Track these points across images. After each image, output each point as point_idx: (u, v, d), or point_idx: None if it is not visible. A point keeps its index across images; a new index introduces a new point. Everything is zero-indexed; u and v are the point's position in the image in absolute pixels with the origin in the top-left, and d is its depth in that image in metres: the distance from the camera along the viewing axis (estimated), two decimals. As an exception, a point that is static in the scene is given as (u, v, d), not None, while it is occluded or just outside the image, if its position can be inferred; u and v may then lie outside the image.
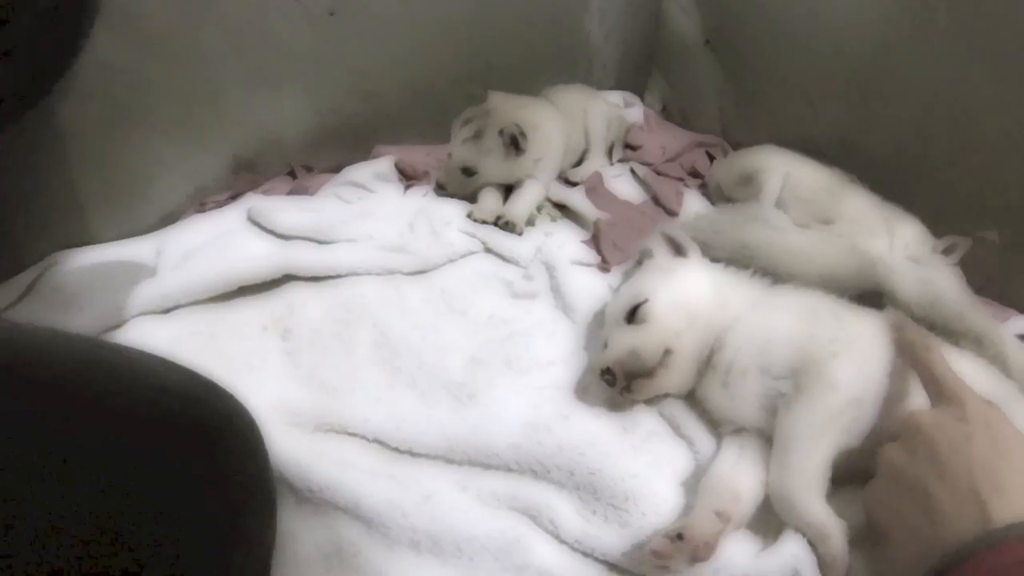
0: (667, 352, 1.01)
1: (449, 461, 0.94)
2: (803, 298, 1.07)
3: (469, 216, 1.46)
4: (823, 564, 0.84)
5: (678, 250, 1.18)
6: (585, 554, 0.86)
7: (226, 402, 0.71)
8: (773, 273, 1.14)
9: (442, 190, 1.56)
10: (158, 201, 1.37)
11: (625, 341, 1.02)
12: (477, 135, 1.49)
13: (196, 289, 1.13)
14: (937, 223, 1.52)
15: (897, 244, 1.49)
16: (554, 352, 1.14)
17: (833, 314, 1.03)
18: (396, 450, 0.95)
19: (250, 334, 1.11)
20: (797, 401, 0.92)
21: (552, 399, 1.04)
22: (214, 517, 0.62)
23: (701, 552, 0.82)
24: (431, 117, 1.66)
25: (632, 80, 2.19)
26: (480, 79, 1.66)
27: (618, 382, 1.00)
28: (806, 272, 1.15)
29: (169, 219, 1.36)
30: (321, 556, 0.83)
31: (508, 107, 1.53)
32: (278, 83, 1.46)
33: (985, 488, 0.71)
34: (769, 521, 0.89)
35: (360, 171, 1.55)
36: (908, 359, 0.92)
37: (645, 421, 1.03)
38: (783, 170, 1.61)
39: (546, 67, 1.90)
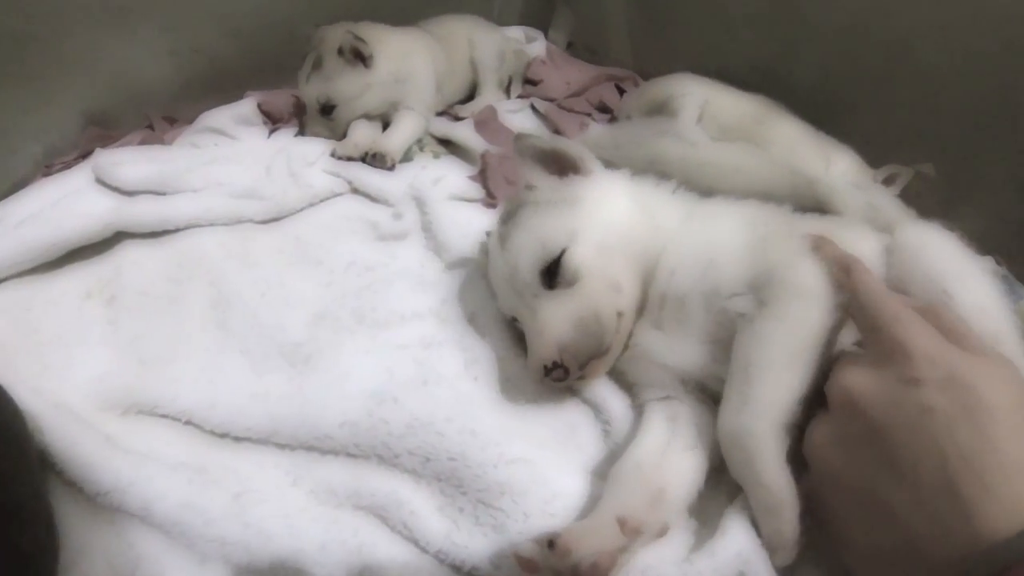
0: (619, 314, 0.77)
1: (280, 446, 0.72)
2: (743, 206, 0.84)
3: (333, 154, 1.28)
4: (769, 544, 0.62)
5: (564, 167, 0.87)
6: (455, 568, 0.63)
7: None
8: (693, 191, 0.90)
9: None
10: (2, 167, 1.20)
11: (562, 315, 0.75)
12: (317, 65, 1.34)
13: (18, 260, 0.95)
14: (869, 156, 1.40)
15: (834, 174, 1.34)
16: (422, 302, 0.92)
17: (784, 217, 0.82)
18: (213, 433, 0.73)
19: (70, 304, 0.93)
20: (762, 316, 0.69)
21: (413, 360, 0.81)
22: None
23: (586, 574, 0.59)
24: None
25: (537, 14, 2.06)
26: (365, 16, 1.48)
27: (572, 375, 0.74)
28: (734, 190, 0.89)
29: (19, 187, 1.18)
30: (116, 576, 0.62)
31: (341, 27, 1.37)
32: (128, 20, 1.28)
33: (966, 486, 0.51)
34: (705, 503, 0.69)
35: (218, 116, 1.35)
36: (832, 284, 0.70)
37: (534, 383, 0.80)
38: (701, 96, 1.48)
39: (439, 2, 1.76)
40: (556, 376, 0.73)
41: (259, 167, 1.19)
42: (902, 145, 1.38)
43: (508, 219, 0.84)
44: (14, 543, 0.57)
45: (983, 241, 1.20)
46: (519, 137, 0.86)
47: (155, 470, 0.67)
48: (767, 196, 0.87)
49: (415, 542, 0.64)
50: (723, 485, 0.70)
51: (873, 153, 1.39)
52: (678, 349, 0.75)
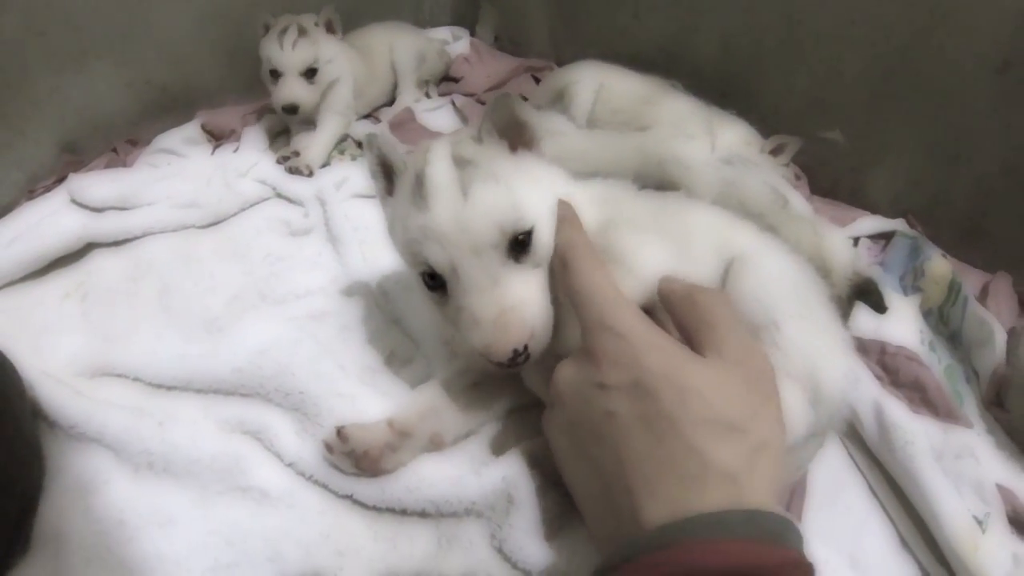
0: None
1: (198, 391, 1.00)
2: (594, 186, 0.88)
3: (278, 161, 1.56)
4: None
5: (518, 140, 0.81)
6: (305, 476, 0.86)
7: None
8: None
9: (293, 111, 1.62)
10: (-12, 195, 1.38)
11: (536, 298, 0.74)
12: (303, 32, 1.57)
13: (11, 272, 1.20)
14: (776, 125, 1.53)
15: (720, 146, 1.49)
16: (314, 283, 1.20)
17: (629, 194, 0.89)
18: (151, 384, 1.02)
19: (52, 302, 1.18)
20: None
21: (296, 327, 1.07)
22: None
23: (361, 461, 0.79)
24: (246, 77, 1.69)
25: (466, 13, 2.22)
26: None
27: (528, 364, 0.74)
28: (581, 173, 0.88)
29: (7, 212, 1.37)
30: (80, 485, 0.87)
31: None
32: (84, 60, 1.48)
33: (636, 486, 0.57)
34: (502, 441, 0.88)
35: (170, 138, 1.62)
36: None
37: (392, 343, 1.08)
38: (595, 82, 1.63)
39: (369, 9, 1.96)
40: (518, 362, 0.71)
41: (201, 180, 1.46)
42: (807, 113, 1.49)
43: (466, 166, 0.75)
44: (12, 461, 0.79)
45: (895, 203, 1.41)
46: (503, 96, 0.78)
47: (108, 409, 0.93)
48: (614, 176, 0.92)
49: (278, 456, 0.88)
50: (524, 429, 0.89)
51: (780, 122, 1.51)
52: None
